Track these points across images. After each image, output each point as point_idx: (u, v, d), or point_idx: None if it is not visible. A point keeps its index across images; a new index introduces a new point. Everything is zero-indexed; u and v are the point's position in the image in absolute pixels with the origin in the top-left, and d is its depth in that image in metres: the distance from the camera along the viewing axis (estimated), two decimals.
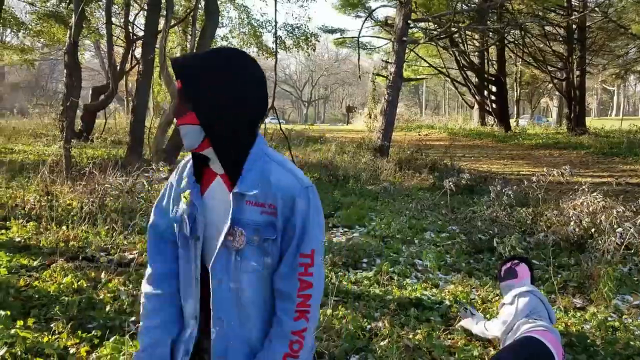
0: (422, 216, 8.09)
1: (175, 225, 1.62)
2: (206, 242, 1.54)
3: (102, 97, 19.02)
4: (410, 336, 3.90)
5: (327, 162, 12.76)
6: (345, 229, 7.40)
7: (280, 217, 1.46)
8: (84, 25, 17.63)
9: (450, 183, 8.22)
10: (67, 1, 19.50)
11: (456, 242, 6.55)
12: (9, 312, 3.54)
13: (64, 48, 15.54)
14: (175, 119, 1.54)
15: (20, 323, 3.44)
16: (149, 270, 1.69)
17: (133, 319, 3.74)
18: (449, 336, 4.00)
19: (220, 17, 13.09)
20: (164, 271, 1.67)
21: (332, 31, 28.88)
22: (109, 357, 3.23)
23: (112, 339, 3.40)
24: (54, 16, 20.94)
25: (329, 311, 4.09)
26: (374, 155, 14.03)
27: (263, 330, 1.55)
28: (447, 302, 4.63)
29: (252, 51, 27.17)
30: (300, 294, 1.48)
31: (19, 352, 3.22)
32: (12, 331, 3.30)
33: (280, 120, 14.97)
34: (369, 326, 4.01)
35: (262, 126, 12.01)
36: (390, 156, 14.17)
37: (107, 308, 3.93)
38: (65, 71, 15.18)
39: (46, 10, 21.29)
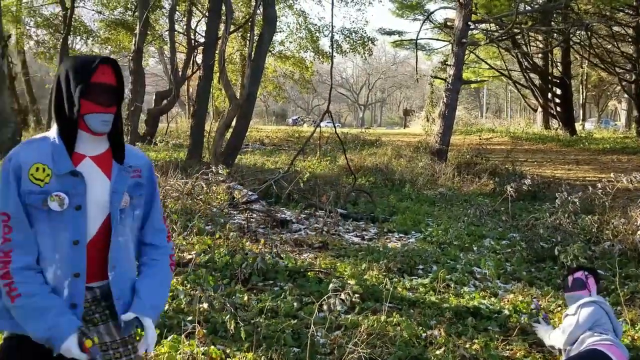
0: (481, 222, 7.89)
1: (31, 206, 1.77)
2: (86, 210, 1.83)
3: (165, 101, 19.64)
4: (467, 346, 3.80)
5: (382, 166, 12.66)
6: (401, 235, 7.31)
7: (144, 178, 2.00)
8: (148, 33, 18.25)
9: (512, 189, 7.98)
10: (133, 9, 20.26)
11: (517, 249, 6.35)
12: None
13: (130, 55, 16.14)
14: (103, 107, 1.83)
15: None
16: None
17: (190, 318, 3.82)
18: (507, 347, 3.88)
19: (277, 23, 13.27)
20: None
21: (389, 33, 28.65)
22: (166, 355, 3.31)
23: (170, 338, 3.48)
24: (120, 24, 21.80)
25: (383, 317, 4.04)
26: (431, 160, 13.81)
27: (135, 270, 2.03)
28: (507, 312, 4.49)
29: (308, 56, 27.37)
30: (166, 227, 2.12)
31: None
32: None
33: (336, 124, 14.96)
34: (424, 334, 3.94)
35: (317, 130, 12.06)
36: (449, 160, 13.92)
37: (166, 307, 4.02)
38: (130, 77, 15.80)
39: (113, 18, 22.20)
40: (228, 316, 3.46)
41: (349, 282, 4.84)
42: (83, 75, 1.78)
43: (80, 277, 1.80)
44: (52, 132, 1.84)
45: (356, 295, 3.38)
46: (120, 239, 1.89)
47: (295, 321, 3.95)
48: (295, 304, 4.31)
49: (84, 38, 23.53)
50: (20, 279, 1.72)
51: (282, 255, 5.63)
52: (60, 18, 21.71)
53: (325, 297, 3.27)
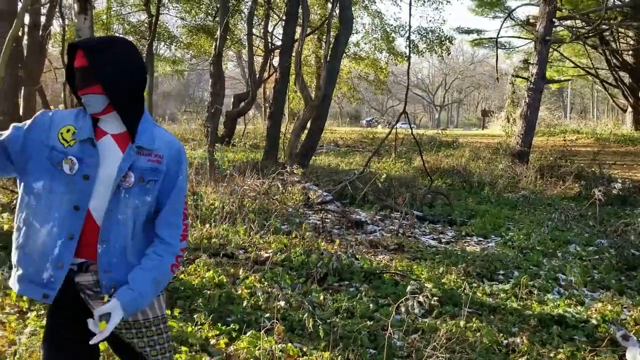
0: (567, 227, 7.53)
1: (49, 160, 1.89)
2: (93, 182, 1.89)
3: (243, 104, 20.13)
4: (552, 355, 3.63)
5: (460, 168, 12.37)
6: (480, 238, 7.12)
7: (165, 165, 1.95)
8: (227, 37, 18.77)
9: (600, 192, 7.57)
10: (214, 15, 20.91)
11: (605, 256, 6.01)
12: None
13: (210, 59, 16.67)
14: (79, 90, 1.87)
15: (167, 312, 3.71)
16: None
17: (268, 315, 3.88)
18: (595, 358, 3.67)
19: (353, 24, 13.27)
20: None
21: (468, 32, 27.97)
22: (245, 350, 3.37)
23: (248, 333, 3.55)
24: (202, 29, 22.56)
25: (462, 322, 3.94)
26: (512, 162, 13.36)
27: (138, 259, 1.95)
28: (594, 322, 4.25)
29: (383, 57, 27.14)
30: (184, 223, 2.00)
31: None
32: None
33: (412, 125, 14.71)
34: (505, 341, 3.80)
35: (393, 131, 11.95)
36: (531, 162, 13.40)
37: (244, 303, 4.11)
38: (210, 80, 16.33)
39: (195, 24, 23.01)
40: (306, 314, 3.48)
41: (426, 285, 4.75)
42: (67, 65, 1.96)
43: (73, 240, 1.87)
44: None
45: (434, 298, 3.30)
46: (119, 217, 1.89)
47: (372, 322, 3.92)
48: (371, 305, 4.28)
49: (168, 43, 24.52)
50: None
51: (357, 256, 5.62)
52: (146, 25, 22.76)
53: (402, 299, 3.23)
